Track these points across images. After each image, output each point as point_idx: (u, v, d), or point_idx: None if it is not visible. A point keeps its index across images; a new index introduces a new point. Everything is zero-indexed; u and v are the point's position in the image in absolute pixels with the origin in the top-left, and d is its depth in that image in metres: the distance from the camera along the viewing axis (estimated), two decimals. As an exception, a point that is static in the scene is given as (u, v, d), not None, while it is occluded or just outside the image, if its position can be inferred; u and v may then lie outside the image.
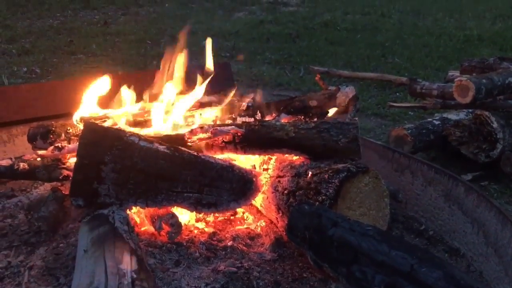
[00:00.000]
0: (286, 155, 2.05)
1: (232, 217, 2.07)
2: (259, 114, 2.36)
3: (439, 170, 2.31)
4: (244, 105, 2.36)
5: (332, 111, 2.37)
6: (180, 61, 2.30)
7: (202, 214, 1.96)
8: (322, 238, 1.48)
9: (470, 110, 3.35)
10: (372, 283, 1.24)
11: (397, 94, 4.88)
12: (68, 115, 2.28)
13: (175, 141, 1.91)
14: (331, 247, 1.42)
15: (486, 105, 3.09)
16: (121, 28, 7.77)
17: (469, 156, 3.18)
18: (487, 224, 1.99)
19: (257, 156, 2.09)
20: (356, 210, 1.77)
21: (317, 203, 1.72)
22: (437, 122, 3.43)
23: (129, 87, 2.26)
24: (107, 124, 2.11)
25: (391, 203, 1.92)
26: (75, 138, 2.10)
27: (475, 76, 3.18)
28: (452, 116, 3.51)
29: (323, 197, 1.73)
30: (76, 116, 2.14)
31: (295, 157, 2.04)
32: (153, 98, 2.26)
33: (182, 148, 1.84)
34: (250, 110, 2.37)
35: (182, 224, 1.85)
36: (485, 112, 3.10)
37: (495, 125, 3.04)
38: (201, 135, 1.95)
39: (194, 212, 1.85)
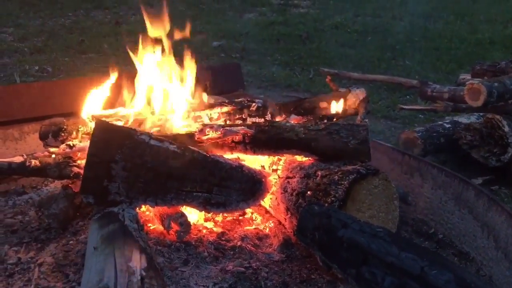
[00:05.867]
0: (296, 156, 2.04)
1: (240, 217, 2.08)
2: (269, 114, 2.36)
3: (449, 173, 2.29)
4: (254, 105, 2.36)
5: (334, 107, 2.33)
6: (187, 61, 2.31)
7: (211, 213, 1.97)
8: (331, 239, 1.48)
9: (481, 114, 3.33)
10: (381, 285, 1.24)
11: (407, 97, 4.86)
12: (79, 113, 2.30)
13: (185, 140, 1.92)
14: (341, 248, 1.41)
15: (497, 109, 3.07)
16: (132, 28, 7.80)
17: (480, 160, 3.16)
18: (498, 228, 1.97)
19: (266, 156, 2.09)
20: (365, 212, 1.76)
21: (326, 204, 1.72)
22: (447, 125, 3.41)
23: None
24: (118, 122, 2.12)
25: (401, 206, 1.91)
26: (87, 136, 2.11)
27: (486, 79, 3.15)
28: (463, 119, 3.49)
29: (332, 198, 1.73)
30: (88, 114, 2.15)
31: (304, 158, 2.03)
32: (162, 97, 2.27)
33: (192, 148, 1.85)
34: (260, 111, 2.37)
35: (191, 223, 1.86)
36: (496, 116, 3.08)
37: (506, 129, 3.02)
38: (211, 135, 1.95)
39: (203, 211, 1.86)
